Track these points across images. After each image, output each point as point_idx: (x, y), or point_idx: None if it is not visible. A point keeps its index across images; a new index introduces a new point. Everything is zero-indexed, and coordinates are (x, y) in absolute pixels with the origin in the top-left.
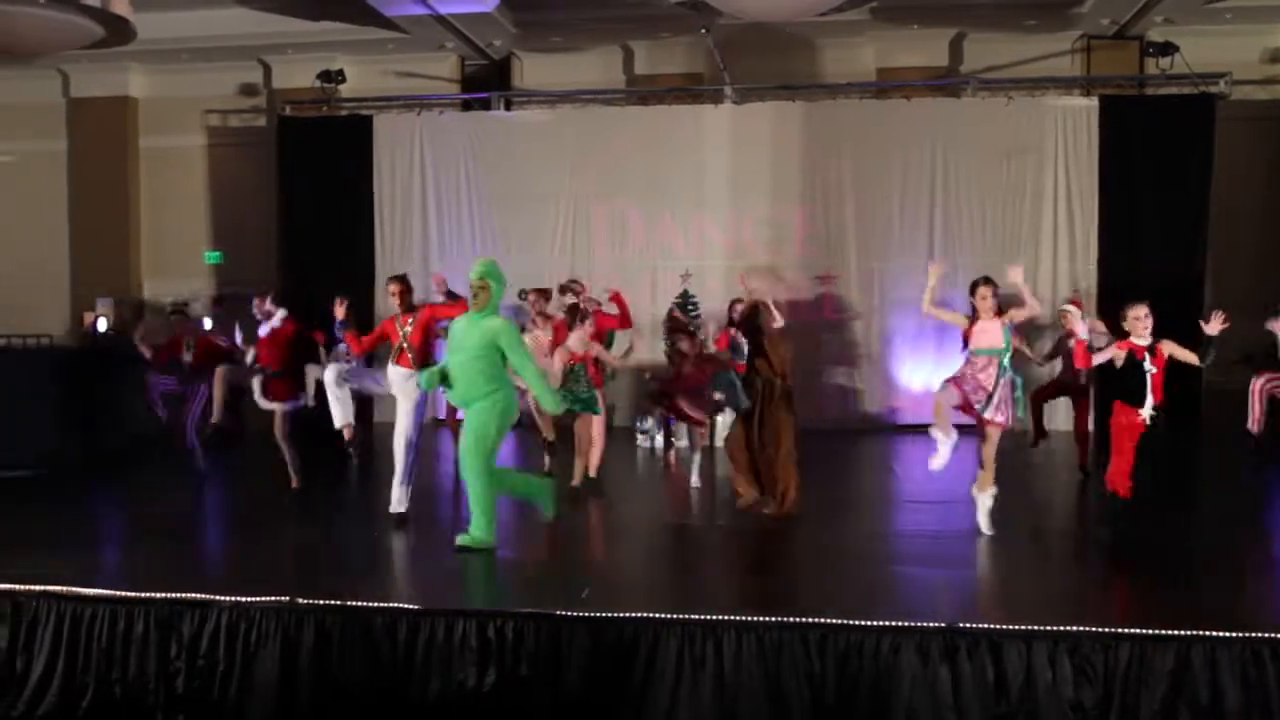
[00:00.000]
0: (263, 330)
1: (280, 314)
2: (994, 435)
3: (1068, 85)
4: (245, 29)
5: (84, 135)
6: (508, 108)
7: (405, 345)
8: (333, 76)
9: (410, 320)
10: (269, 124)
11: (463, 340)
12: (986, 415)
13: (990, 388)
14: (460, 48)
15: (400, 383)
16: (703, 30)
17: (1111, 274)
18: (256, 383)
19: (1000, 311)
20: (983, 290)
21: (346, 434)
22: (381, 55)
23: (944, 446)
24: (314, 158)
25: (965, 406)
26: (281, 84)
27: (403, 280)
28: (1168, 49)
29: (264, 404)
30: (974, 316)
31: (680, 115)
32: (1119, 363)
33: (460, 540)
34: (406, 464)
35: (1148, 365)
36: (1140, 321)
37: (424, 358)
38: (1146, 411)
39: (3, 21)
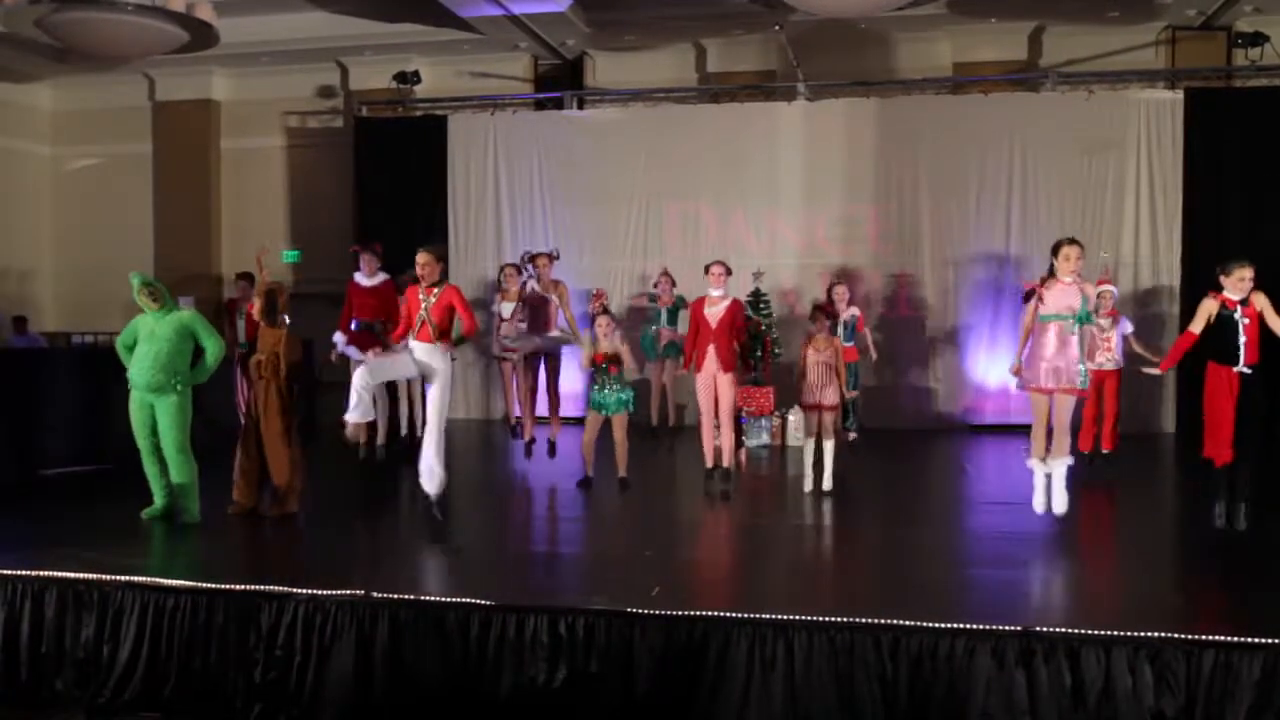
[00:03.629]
0: (364, 283)
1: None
2: (1069, 402)
3: (1151, 78)
4: (323, 32)
5: (168, 138)
6: (580, 107)
7: (426, 318)
8: (408, 78)
9: (435, 293)
10: (346, 125)
11: (155, 332)
12: (1071, 385)
13: (1076, 356)
14: (533, 48)
15: (423, 357)
16: (776, 27)
17: (1195, 273)
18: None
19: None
20: (1067, 250)
21: (350, 431)
22: (456, 56)
23: (1039, 474)
24: (390, 158)
25: (1062, 391)
26: (358, 85)
27: (433, 252)
28: (1257, 39)
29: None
30: (1049, 279)
31: (753, 113)
32: (1211, 317)
33: (188, 518)
34: (439, 444)
35: (1239, 315)
36: (1244, 283)
37: (444, 334)
38: (1241, 367)
39: (89, 28)
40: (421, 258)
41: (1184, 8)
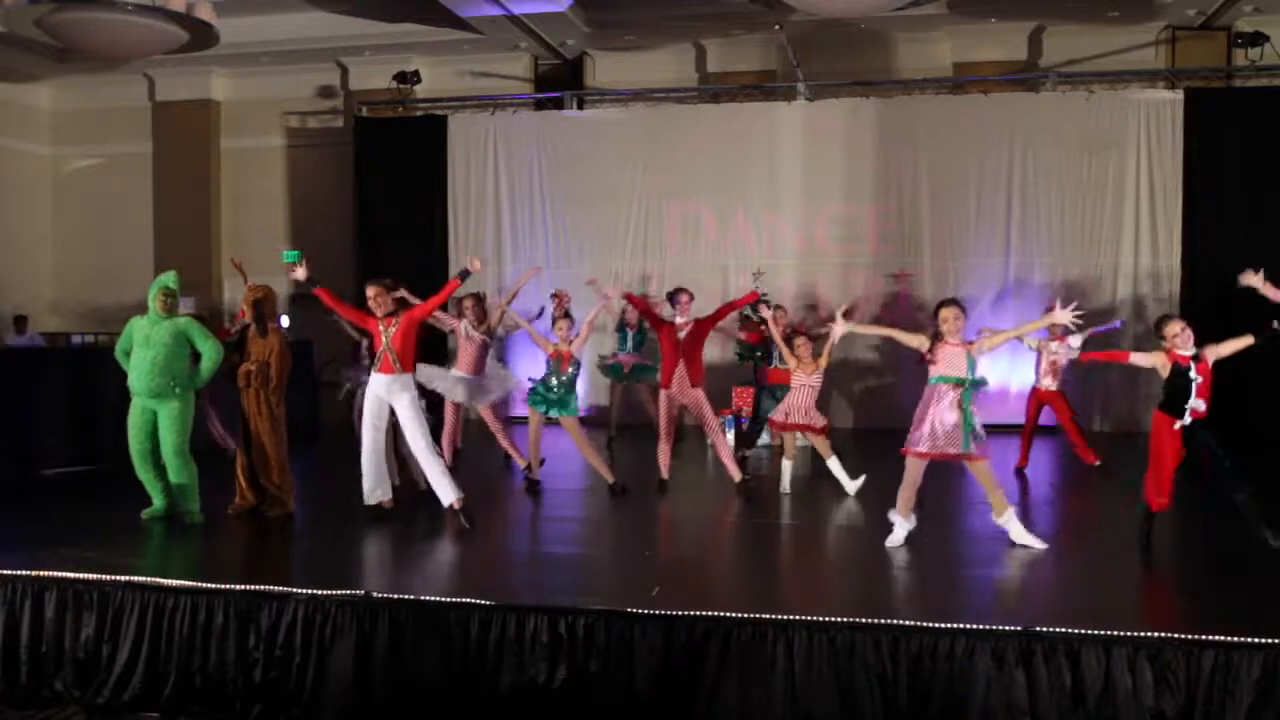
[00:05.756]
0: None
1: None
2: (982, 467)
3: (1151, 78)
4: (323, 32)
5: (168, 138)
6: (580, 107)
7: (388, 349)
8: (408, 77)
9: (394, 323)
10: (346, 125)
11: (150, 337)
12: (970, 450)
13: (958, 421)
14: (533, 47)
15: (384, 390)
16: (776, 27)
17: (1195, 274)
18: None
19: (967, 340)
20: (944, 313)
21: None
22: (456, 56)
23: (900, 529)
24: (390, 157)
25: (939, 457)
26: (358, 85)
27: (380, 284)
28: (1257, 39)
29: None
30: (939, 339)
31: (753, 113)
32: (1164, 373)
33: (190, 519)
34: (434, 462)
35: (1193, 374)
36: (1179, 337)
37: (406, 362)
38: (1185, 420)
39: (89, 28)
40: (371, 290)
41: (1184, 8)
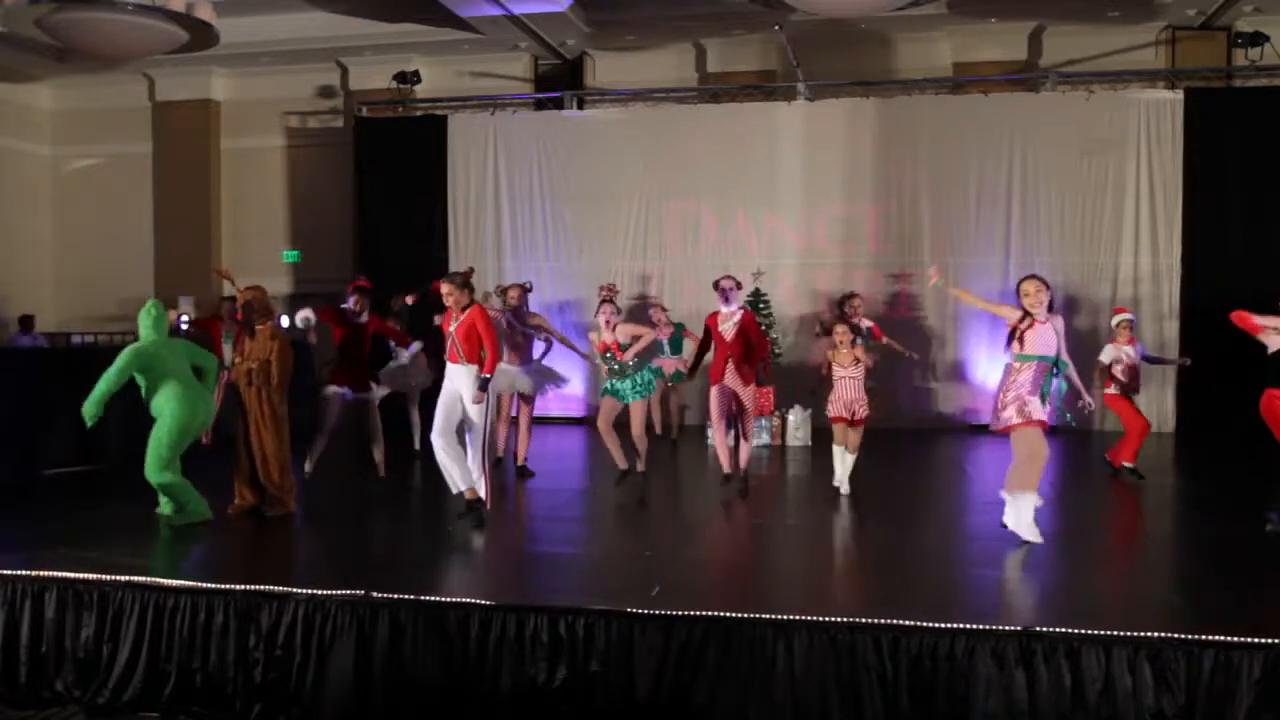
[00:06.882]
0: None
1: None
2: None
3: (1151, 78)
4: (323, 32)
5: (168, 138)
6: (580, 107)
7: (453, 339)
8: (408, 77)
9: (462, 315)
10: (346, 125)
11: None
12: (1040, 417)
13: (1035, 391)
14: (533, 47)
15: (454, 378)
16: (776, 27)
17: (1195, 273)
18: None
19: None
20: (1026, 286)
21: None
22: (456, 56)
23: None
24: (390, 158)
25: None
26: (358, 85)
27: (452, 281)
28: (1257, 39)
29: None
30: (1029, 318)
31: (753, 113)
32: (1272, 347)
33: (176, 520)
34: (482, 460)
35: None
36: None
37: (471, 354)
38: None
39: (89, 28)
40: (445, 288)
41: (1184, 8)
